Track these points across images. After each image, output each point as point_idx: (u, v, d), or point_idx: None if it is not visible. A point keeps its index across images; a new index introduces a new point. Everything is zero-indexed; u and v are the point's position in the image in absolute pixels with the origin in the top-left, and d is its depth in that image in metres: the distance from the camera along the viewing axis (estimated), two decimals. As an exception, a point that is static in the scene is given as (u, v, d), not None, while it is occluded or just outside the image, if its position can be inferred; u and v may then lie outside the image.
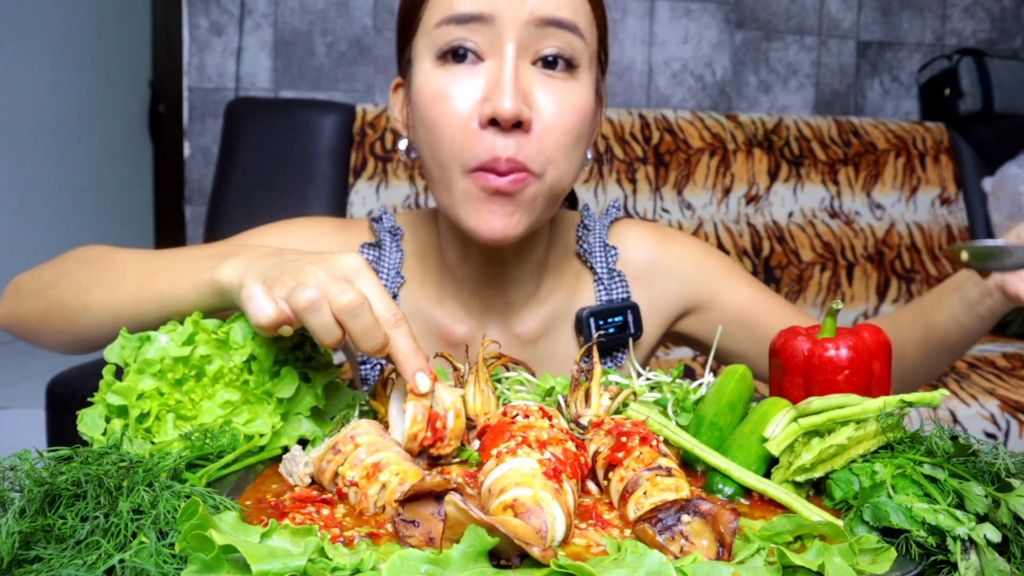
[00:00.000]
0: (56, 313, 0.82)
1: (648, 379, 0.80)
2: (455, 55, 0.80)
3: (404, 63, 0.88)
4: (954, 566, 0.52)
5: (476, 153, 0.78)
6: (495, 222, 0.80)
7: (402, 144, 0.91)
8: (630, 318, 0.96)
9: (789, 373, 0.74)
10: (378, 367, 0.98)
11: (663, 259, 1.01)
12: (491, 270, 0.93)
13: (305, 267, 0.66)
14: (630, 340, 0.91)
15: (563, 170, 0.82)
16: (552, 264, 0.98)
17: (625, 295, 0.98)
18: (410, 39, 0.86)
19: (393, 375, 0.75)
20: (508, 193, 0.79)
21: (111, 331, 0.75)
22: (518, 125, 0.78)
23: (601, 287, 0.98)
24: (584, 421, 0.70)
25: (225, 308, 0.73)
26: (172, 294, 0.74)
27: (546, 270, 0.97)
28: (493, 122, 0.78)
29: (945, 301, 0.90)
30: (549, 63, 0.79)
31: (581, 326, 0.95)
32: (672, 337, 1.06)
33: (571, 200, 1.08)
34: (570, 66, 0.80)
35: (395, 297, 0.97)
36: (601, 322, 0.94)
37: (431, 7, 0.82)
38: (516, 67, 0.78)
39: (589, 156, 0.89)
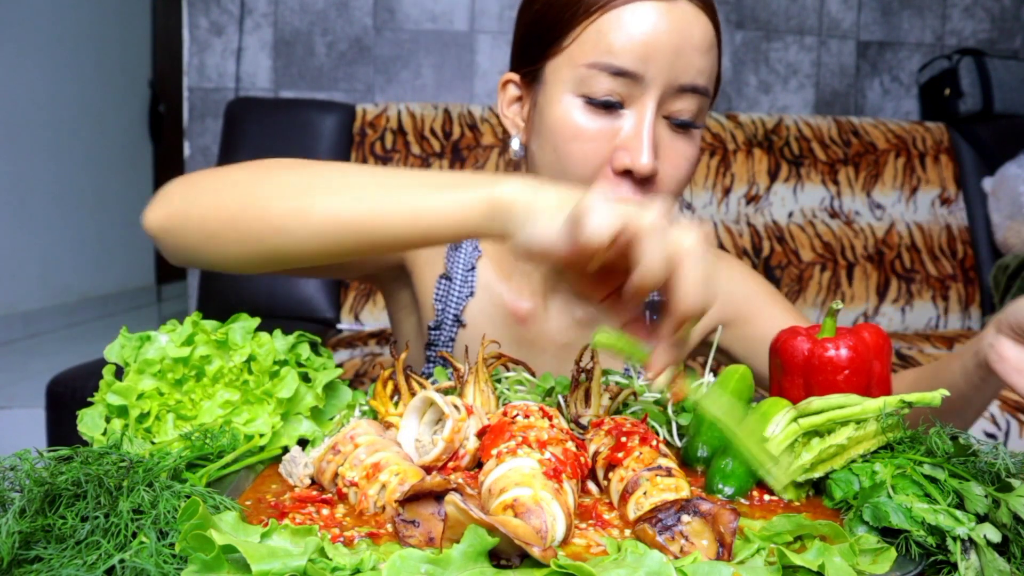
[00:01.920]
0: (254, 217, 0.71)
1: (648, 379, 0.80)
2: (604, 105, 0.85)
3: (531, 73, 0.93)
4: (954, 566, 0.52)
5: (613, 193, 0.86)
6: None
7: (515, 144, 0.97)
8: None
9: (789, 373, 0.74)
10: (448, 335, 1.00)
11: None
12: None
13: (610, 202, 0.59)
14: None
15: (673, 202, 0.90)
16: None
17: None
18: (548, 57, 0.89)
19: (400, 381, 0.75)
20: None
21: (335, 245, 0.69)
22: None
23: None
24: (584, 421, 0.70)
25: (485, 235, 0.66)
26: (430, 209, 0.66)
27: None
28: (627, 171, 0.85)
29: (958, 358, 0.86)
30: (679, 125, 0.87)
31: (648, 307, 0.98)
32: (706, 348, 1.08)
33: None
34: (695, 125, 0.88)
35: (472, 269, 1.01)
36: (655, 316, 0.97)
37: (583, 42, 0.86)
38: (653, 123, 0.84)
39: None
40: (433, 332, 1.02)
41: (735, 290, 1.03)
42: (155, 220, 0.77)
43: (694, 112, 0.87)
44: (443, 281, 1.01)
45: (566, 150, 0.87)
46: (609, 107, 0.85)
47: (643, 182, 0.86)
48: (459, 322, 1.00)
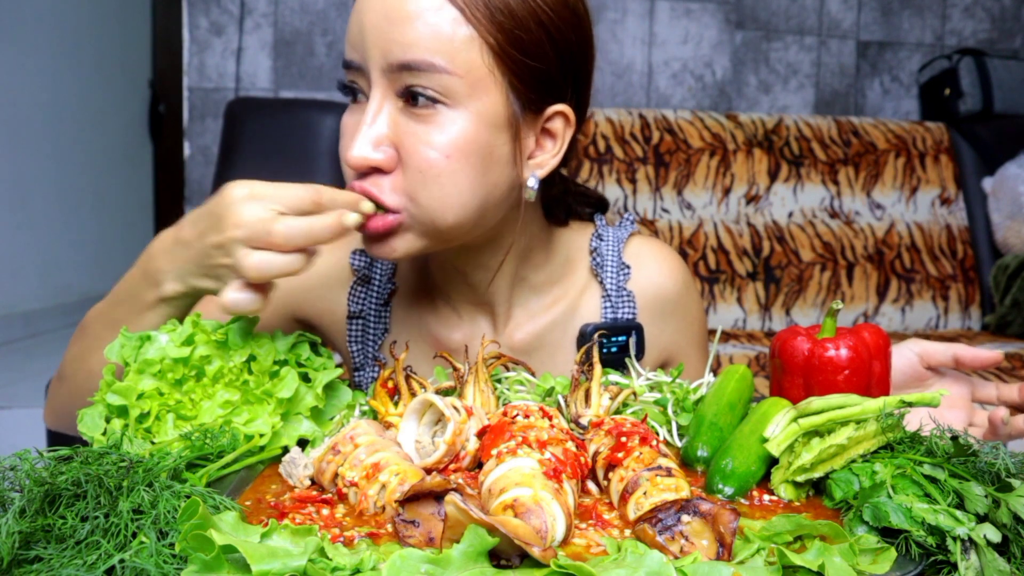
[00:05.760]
0: (82, 393, 0.82)
1: (648, 379, 0.80)
2: (350, 93, 0.82)
3: None
4: (954, 566, 0.52)
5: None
6: (372, 247, 0.82)
7: None
8: (633, 338, 0.94)
9: (789, 373, 0.74)
10: (372, 376, 0.98)
11: (678, 301, 1.00)
12: (463, 281, 0.93)
13: (214, 247, 0.72)
14: (631, 341, 0.90)
15: (431, 209, 0.79)
16: (553, 276, 0.97)
17: (631, 315, 0.97)
18: None
19: (400, 381, 0.75)
20: (371, 236, 0.80)
21: None
22: (378, 169, 0.78)
23: (608, 304, 0.97)
24: (584, 421, 0.70)
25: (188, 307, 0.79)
26: (139, 330, 0.77)
27: (543, 281, 0.96)
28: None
29: None
30: (410, 100, 0.77)
31: (585, 341, 0.93)
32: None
33: (598, 205, 1.05)
34: (434, 101, 0.77)
35: (386, 304, 0.97)
36: (605, 340, 0.93)
37: None
38: (378, 110, 0.78)
39: (531, 184, 0.85)
40: (357, 375, 0.99)
41: (685, 327, 1.01)
42: (49, 422, 0.92)
43: (426, 88, 0.76)
44: (355, 322, 0.97)
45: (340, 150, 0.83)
46: (352, 94, 0.81)
47: (373, 175, 0.78)
48: (379, 361, 0.95)
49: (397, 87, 0.77)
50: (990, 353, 0.81)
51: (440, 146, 0.77)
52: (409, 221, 0.79)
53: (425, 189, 0.78)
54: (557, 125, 0.85)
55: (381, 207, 0.78)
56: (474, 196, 0.80)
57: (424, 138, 0.77)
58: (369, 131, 0.77)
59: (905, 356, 0.83)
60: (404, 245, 0.81)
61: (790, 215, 2.57)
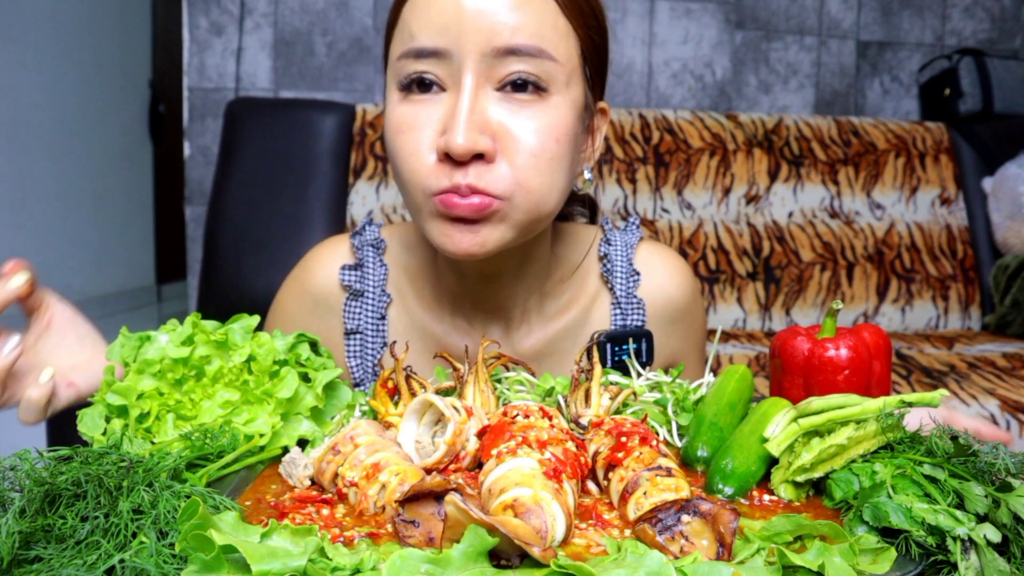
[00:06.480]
0: None
1: (648, 379, 0.80)
2: (417, 85, 0.79)
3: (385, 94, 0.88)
4: (954, 566, 0.52)
5: (438, 183, 0.77)
6: (460, 241, 0.79)
7: None
8: (644, 346, 0.94)
9: (789, 373, 0.74)
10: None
11: (686, 309, 1.00)
12: (487, 286, 0.92)
13: None
14: (642, 348, 0.90)
15: (540, 194, 0.79)
16: (564, 281, 0.96)
17: (640, 323, 0.97)
18: (385, 71, 0.85)
19: (400, 381, 0.75)
20: (472, 220, 0.78)
21: None
22: (480, 157, 0.76)
23: (618, 311, 0.97)
24: (584, 421, 0.70)
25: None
26: None
27: (554, 287, 0.96)
28: (450, 156, 0.76)
29: None
30: (515, 87, 0.77)
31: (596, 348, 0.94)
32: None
33: (592, 210, 1.06)
34: (539, 89, 0.77)
35: (383, 318, 0.96)
36: (616, 347, 0.92)
37: (395, 40, 0.81)
38: (475, 98, 0.76)
39: (588, 176, 0.88)
40: (357, 390, 0.97)
41: (688, 336, 1.02)
42: None
43: (532, 74, 0.76)
44: (353, 337, 0.96)
45: (394, 147, 0.80)
46: (424, 87, 0.78)
47: (474, 163, 0.76)
48: (377, 375, 0.95)
49: (498, 73, 0.76)
50: (1005, 435, 0.84)
51: (549, 131, 0.78)
52: (508, 209, 0.78)
53: (538, 174, 0.78)
54: (597, 121, 0.89)
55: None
56: (566, 183, 0.82)
57: (530, 124, 0.77)
58: (472, 117, 0.75)
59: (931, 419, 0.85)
60: (496, 236, 0.79)
61: (790, 215, 2.57)
